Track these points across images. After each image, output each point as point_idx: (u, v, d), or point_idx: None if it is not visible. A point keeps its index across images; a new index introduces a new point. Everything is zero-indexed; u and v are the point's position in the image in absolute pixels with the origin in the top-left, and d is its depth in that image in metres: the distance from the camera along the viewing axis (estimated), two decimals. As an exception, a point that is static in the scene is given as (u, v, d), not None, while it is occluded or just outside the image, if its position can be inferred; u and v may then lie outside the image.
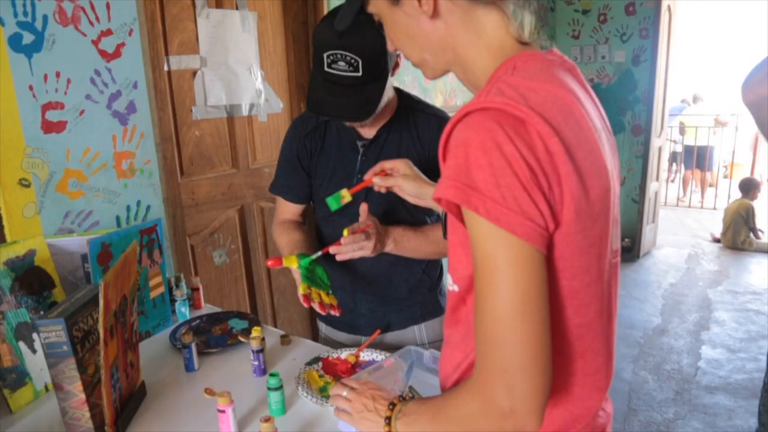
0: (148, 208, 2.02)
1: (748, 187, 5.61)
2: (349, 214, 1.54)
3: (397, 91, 1.54)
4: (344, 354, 1.50)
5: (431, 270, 1.64)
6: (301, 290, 1.38)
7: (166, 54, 2.12)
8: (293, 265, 1.42)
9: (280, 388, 1.26)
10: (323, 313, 1.38)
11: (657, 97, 4.75)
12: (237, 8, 2.36)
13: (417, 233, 1.47)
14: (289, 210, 1.64)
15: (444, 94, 3.70)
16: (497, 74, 0.77)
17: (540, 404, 0.69)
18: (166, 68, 2.11)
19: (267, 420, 1.13)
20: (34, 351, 1.40)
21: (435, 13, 0.79)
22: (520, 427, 0.70)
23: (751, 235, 5.36)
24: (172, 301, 1.79)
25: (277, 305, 2.78)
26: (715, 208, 6.91)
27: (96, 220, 1.86)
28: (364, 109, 1.35)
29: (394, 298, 1.62)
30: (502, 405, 0.69)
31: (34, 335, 1.41)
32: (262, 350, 1.45)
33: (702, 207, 7.10)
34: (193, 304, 1.85)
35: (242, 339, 1.50)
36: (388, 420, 0.93)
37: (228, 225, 2.49)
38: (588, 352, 0.83)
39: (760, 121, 1.32)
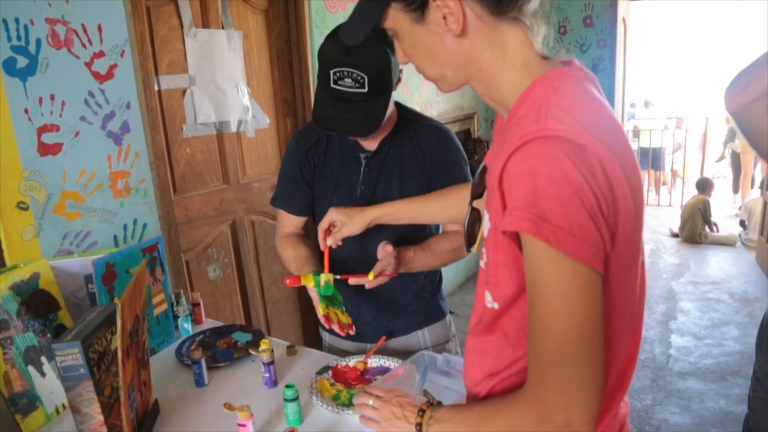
0: (144, 226, 1.96)
1: (704, 186, 5.81)
2: None
3: (396, 103, 1.53)
4: (352, 362, 1.48)
5: (432, 276, 1.63)
6: (321, 311, 1.36)
7: (156, 74, 2.07)
8: (310, 283, 1.39)
9: (296, 399, 1.23)
10: (342, 334, 1.35)
11: (617, 103, 4.86)
12: (223, 27, 2.32)
13: (425, 251, 1.47)
14: (291, 223, 1.61)
15: (420, 105, 3.71)
16: (535, 94, 0.76)
17: (594, 418, 0.70)
18: (156, 88, 2.06)
19: (292, 431, 1.10)
20: (43, 374, 1.34)
21: (462, 32, 0.77)
22: None
23: (707, 228, 5.51)
24: (175, 317, 1.74)
25: (270, 316, 2.73)
26: (670, 205, 7.10)
27: (94, 240, 1.80)
28: (369, 124, 1.33)
29: (398, 304, 1.60)
30: (558, 420, 0.69)
31: (43, 358, 1.35)
32: (272, 362, 1.41)
33: (658, 204, 7.27)
34: (194, 320, 1.80)
35: (252, 352, 1.46)
36: (419, 426, 0.90)
37: (221, 239, 2.44)
38: (622, 352, 0.83)
39: (743, 128, 1.32)
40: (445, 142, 1.51)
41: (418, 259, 1.45)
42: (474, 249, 0.97)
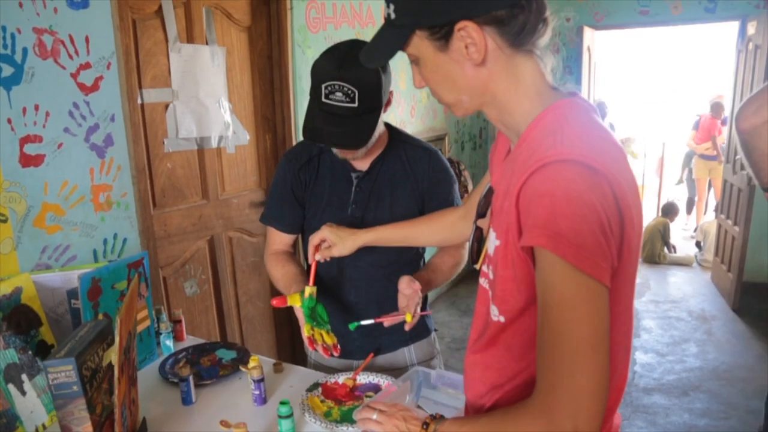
0: (124, 241, 1.92)
1: (670, 210, 6.07)
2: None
3: (387, 125, 1.55)
4: (341, 378, 1.47)
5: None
6: (305, 332, 1.36)
7: (140, 87, 2.04)
8: (297, 303, 1.39)
9: (291, 415, 1.21)
10: (327, 356, 1.35)
11: (580, 127, 5.01)
12: (207, 43, 2.31)
13: (436, 273, 1.52)
14: (281, 240, 1.61)
15: (394, 124, 3.74)
16: (547, 121, 0.80)
17: (599, 425, 0.72)
18: (139, 101, 2.03)
19: (292, 447, 1.08)
20: (23, 393, 1.29)
21: (482, 61, 0.81)
22: None
23: (665, 249, 5.70)
24: (157, 334, 1.70)
25: (245, 333, 2.68)
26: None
27: (73, 254, 1.74)
28: (357, 138, 1.35)
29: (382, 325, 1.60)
30: (566, 427, 0.72)
31: (24, 376, 1.30)
32: (262, 379, 1.40)
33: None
34: (175, 336, 1.76)
35: (243, 369, 1.44)
36: None
37: (198, 255, 2.40)
38: (619, 365, 0.86)
39: (747, 148, 1.40)
40: (435, 164, 1.54)
41: (432, 282, 1.50)
42: (477, 266, 0.99)
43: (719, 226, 4.83)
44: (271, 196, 1.59)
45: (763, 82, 3.93)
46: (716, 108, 6.18)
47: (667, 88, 10.88)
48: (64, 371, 1.04)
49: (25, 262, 1.61)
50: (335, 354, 1.36)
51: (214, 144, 2.39)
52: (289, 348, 2.97)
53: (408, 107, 3.90)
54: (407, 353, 1.65)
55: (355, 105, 1.30)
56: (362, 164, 1.51)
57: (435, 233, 1.40)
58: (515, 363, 0.88)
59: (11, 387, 1.26)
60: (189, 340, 1.81)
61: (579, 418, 0.71)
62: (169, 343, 1.71)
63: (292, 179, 1.54)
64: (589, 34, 4.85)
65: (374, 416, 1.01)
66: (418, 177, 1.51)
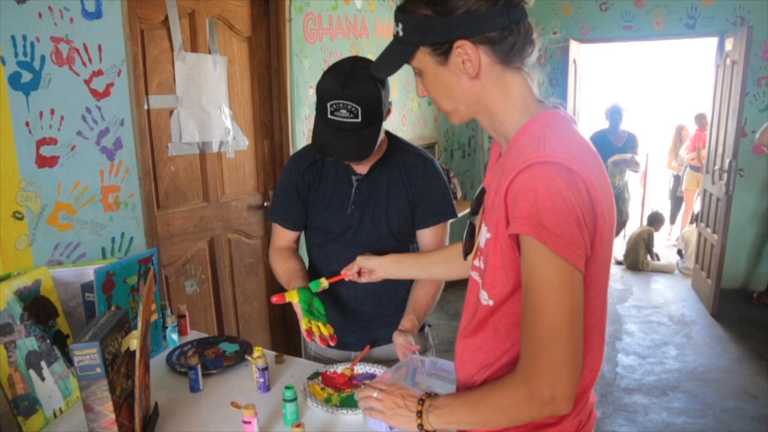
0: (131, 240, 2.00)
1: (655, 220, 6.22)
2: (342, 240, 1.64)
3: (387, 132, 1.66)
4: (340, 368, 1.57)
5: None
6: (303, 325, 1.46)
7: (146, 94, 2.13)
8: (294, 299, 1.49)
9: (295, 399, 1.31)
10: (324, 346, 1.45)
11: (566, 137, 5.16)
12: (210, 52, 2.41)
13: (418, 314, 1.63)
14: (285, 237, 1.70)
15: (387, 133, 3.86)
16: (532, 129, 0.92)
17: (573, 394, 0.84)
18: (146, 107, 2.12)
19: (298, 425, 1.18)
20: (43, 378, 1.37)
21: (476, 75, 0.93)
22: (557, 411, 0.84)
23: (648, 257, 5.85)
24: (163, 327, 1.78)
25: (242, 331, 2.76)
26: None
27: (83, 251, 1.83)
28: (362, 150, 1.46)
29: (382, 315, 1.71)
30: (545, 395, 0.83)
31: (42, 363, 1.38)
32: (266, 368, 1.49)
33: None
34: (180, 331, 1.84)
35: (249, 357, 1.53)
36: (420, 413, 1.01)
37: (199, 256, 2.48)
38: (594, 345, 0.98)
39: None
40: (429, 171, 1.64)
41: (423, 318, 1.65)
42: (470, 257, 1.10)
43: (699, 235, 4.99)
44: (277, 195, 1.69)
45: (740, 96, 4.09)
46: (701, 120, 6.36)
47: (650, 100, 11.12)
48: (89, 354, 1.13)
49: (39, 258, 1.69)
50: (332, 344, 1.45)
51: (215, 149, 2.49)
52: (284, 346, 3.05)
53: (400, 116, 4.01)
54: None
55: (359, 120, 1.41)
56: (362, 168, 1.61)
57: (445, 260, 1.48)
58: (501, 343, 0.99)
59: (32, 372, 1.34)
60: (192, 335, 1.90)
61: (556, 387, 0.82)
62: (175, 336, 1.79)
63: (297, 180, 1.64)
64: (575, 47, 5.00)
65: (375, 394, 1.11)
66: (412, 182, 1.62)
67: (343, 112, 1.40)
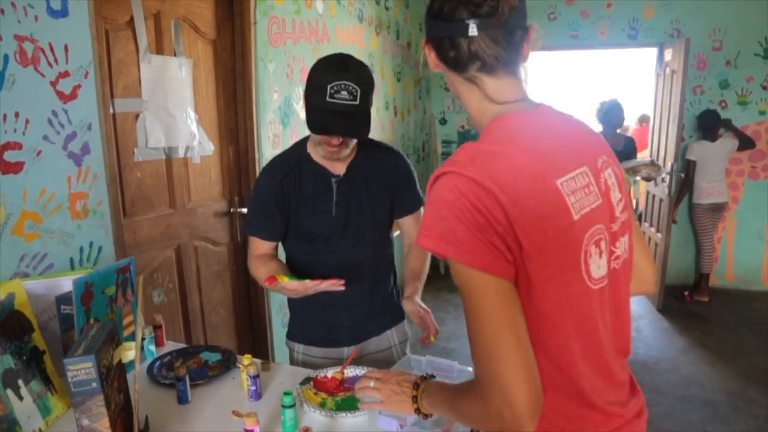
0: (99, 249, 1.91)
1: None
2: (330, 243, 1.64)
3: None
4: (330, 372, 1.55)
5: (395, 284, 1.83)
6: (280, 279, 1.50)
7: (112, 97, 2.04)
8: (284, 280, 1.51)
9: (294, 405, 1.28)
10: (340, 288, 1.45)
11: (518, 141, 5.30)
12: (175, 54, 2.33)
13: (417, 281, 1.72)
14: (263, 247, 1.70)
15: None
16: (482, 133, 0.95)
17: (534, 407, 0.77)
18: (111, 111, 2.03)
19: (306, 430, 1.15)
20: (21, 398, 1.29)
21: (450, 83, 1.01)
22: (520, 428, 0.78)
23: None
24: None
25: (209, 341, 2.68)
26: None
27: (51, 262, 1.73)
28: (362, 129, 1.51)
29: (373, 307, 1.75)
30: (502, 411, 0.78)
31: (20, 382, 1.29)
32: (258, 375, 1.46)
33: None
34: (156, 342, 1.77)
35: (240, 366, 1.49)
36: (415, 398, 1.05)
37: (166, 264, 2.39)
38: (571, 368, 0.90)
39: None
40: (400, 161, 1.75)
41: (422, 281, 1.73)
42: None
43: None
44: (253, 208, 1.70)
45: (680, 104, 4.33)
46: (645, 119, 6.63)
47: (596, 105, 11.60)
48: (84, 368, 1.07)
49: (5, 271, 1.58)
50: (338, 284, 1.44)
51: (181, 154, 2.41)
52: (251, 354, 2.98)
53: (359, 121, 4.01)
54: (390, 335, 1.82)
55: (357, 103, 1.46)
56: (339, 169, 1.64)
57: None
58: None
59: (9, 392, 1.26)
60: (169, 345, 1.83)
61: (512, 403, 0.77)
62: (152, 347, 1.72)
63: (276, 191, 1.63)
64: (524, 54, 5.15)
65: (372, 384, 1.12)
66: (386, 174, 1.69)
67: (344, 93, 1.43)
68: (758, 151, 4.93)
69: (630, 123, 7.12)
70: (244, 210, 2.79)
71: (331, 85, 1.42)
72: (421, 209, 1.77)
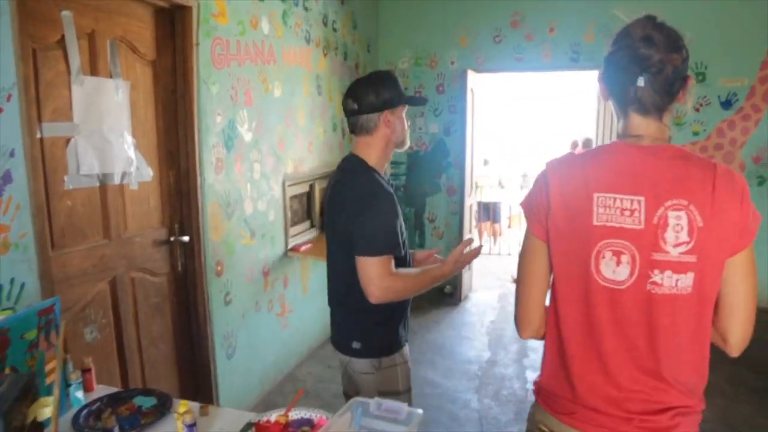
0: (22, 286, 1.76)
1: None
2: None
3: None
4: (273, 416, 1.47)
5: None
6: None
7: (39, 121, 1.91)
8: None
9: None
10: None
11: (466, 162, 5.35)
12: (111, 76, 2.22)
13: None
14: (392, 264, 1.69)
15: (294, 161, 3.78)
16: None
17: (529, 335, 1.30)
18: (39, 135, 1.90)
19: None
20: None
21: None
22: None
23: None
24: (66, 385, 1.57)
25: (148, 378, 2.53)
26: (509, 254, 7.83)
27: (-35, 303, 1.58)
28: None
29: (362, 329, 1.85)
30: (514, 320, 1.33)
31: None
32: (194, 424, 1.36)
33: (499, 254, 7.99)
34: (85, 387, 1.64)
35: (175, 414, 1.38)
36: None
37: (99, 298, 2.25)
38: (567, 339, 1.23)
39: None
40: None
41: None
42: None
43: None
44: (389, 226, 1.67)
45: (618, 126, 4.46)
46: (588, 143, 6.88)
47: (543, 126, 11.96)
48: (-8, 432, 0.96)
49: None
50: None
51: (116, 180, 2.28)
52: (193, 389, 2.84)
53: (306, 143, 3.95)
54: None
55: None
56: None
57: None
58: None
59: None
60: (99, 390, 1.70)
61: (515, 317, 1.32)
62: (80, 394, 1.60)
63: (397, 209, 1.72)
64: (471, 76, 5.23)
65: None
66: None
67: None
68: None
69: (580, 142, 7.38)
70: (186, 238, 2.67)
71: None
72: None
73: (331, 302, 1.89)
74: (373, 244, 1.63)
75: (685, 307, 1.14)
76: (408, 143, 1.85)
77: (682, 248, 1.12)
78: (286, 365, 3.78)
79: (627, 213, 1.13)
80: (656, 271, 1.13)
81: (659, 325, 1.15)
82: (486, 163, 8.79)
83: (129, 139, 2.34)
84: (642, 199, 1.13)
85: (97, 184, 2.20)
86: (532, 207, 1.24)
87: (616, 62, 1.19)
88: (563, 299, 1.22)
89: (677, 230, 1.12)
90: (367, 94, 1.72)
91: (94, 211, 2.20)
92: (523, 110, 11.58)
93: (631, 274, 1.14)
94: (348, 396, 1.88)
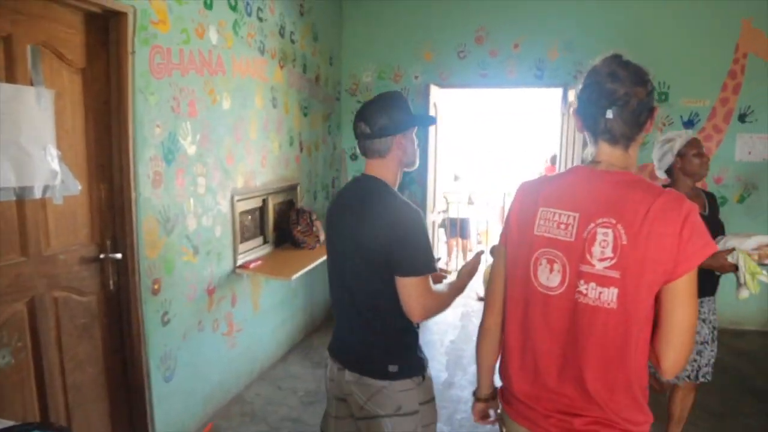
0: None
1: (493, 251, 6.52)
2: None
3: None
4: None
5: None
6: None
7: (-56, 131, 1.79)
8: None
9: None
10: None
11: (429, 178, 5.31)
12: (32, 84, 2.11)
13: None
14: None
15: (244, 175, 3.68)
16: None
17: (486, 322, 1.51)
18: (-58, 147, 1.78)
19: None
20: None
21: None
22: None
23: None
24: (-48, 419, 1.45)
25: (72, 405, 2.40)
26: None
27: None
28: None
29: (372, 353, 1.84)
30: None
31: None
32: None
33: (466, 269, 7.93)
34: (-22, 420, 1.52)
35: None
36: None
37: (14, 320, 2.12)
38: (510, 331, 1.42)
39: None
40: None
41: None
42: None
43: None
44: (426, 247, 1.70)
45: (582, 143, 4.48)
46: (553, 159, 6.92)
47: (508, 142, 12.05)
48: None
49: None
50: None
51: (37, 194, 2.16)
52: (127, 414, 2.71)
53: (258, 157, 3.85)
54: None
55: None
56: None
57: None
58: None
59: None
60: (-5, 423, 1.58)
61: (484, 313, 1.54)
62: (-33, 429, 1.47)
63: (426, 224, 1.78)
64: (435, 91, 5.21)
65: None
66: None
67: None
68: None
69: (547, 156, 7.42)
70: (118, 255, 2.55)
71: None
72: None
73: (351, 327, 1.83)
74: (415, 265, 1.67)
75: (610, 322, 1.22)
76: (417, 163, 1.90)
77: (606, 263, 1.22)
78: (234, 386, 3.65)
79: (562, 226, 1.28)
80: (582, 282, 1.25)
81: (585, 334, 1.25)
82: (456, 178, 8.78)
83: (53, 151, 2.22)
84: (577, 215, 1.27)
85: (14, 198, 2.08)
86: (505, 218, 1.44)
87: (587, 97, 1.32)
88: (509, 298, 1.40)
89: (603, 246, 1.22)
90: (380, 118, 1.73)
91: (9, 226, 2.08)
92: (489, 126, 11.67)
93: (562, 282, 1.28)
94: (365, 410, 1.79)
